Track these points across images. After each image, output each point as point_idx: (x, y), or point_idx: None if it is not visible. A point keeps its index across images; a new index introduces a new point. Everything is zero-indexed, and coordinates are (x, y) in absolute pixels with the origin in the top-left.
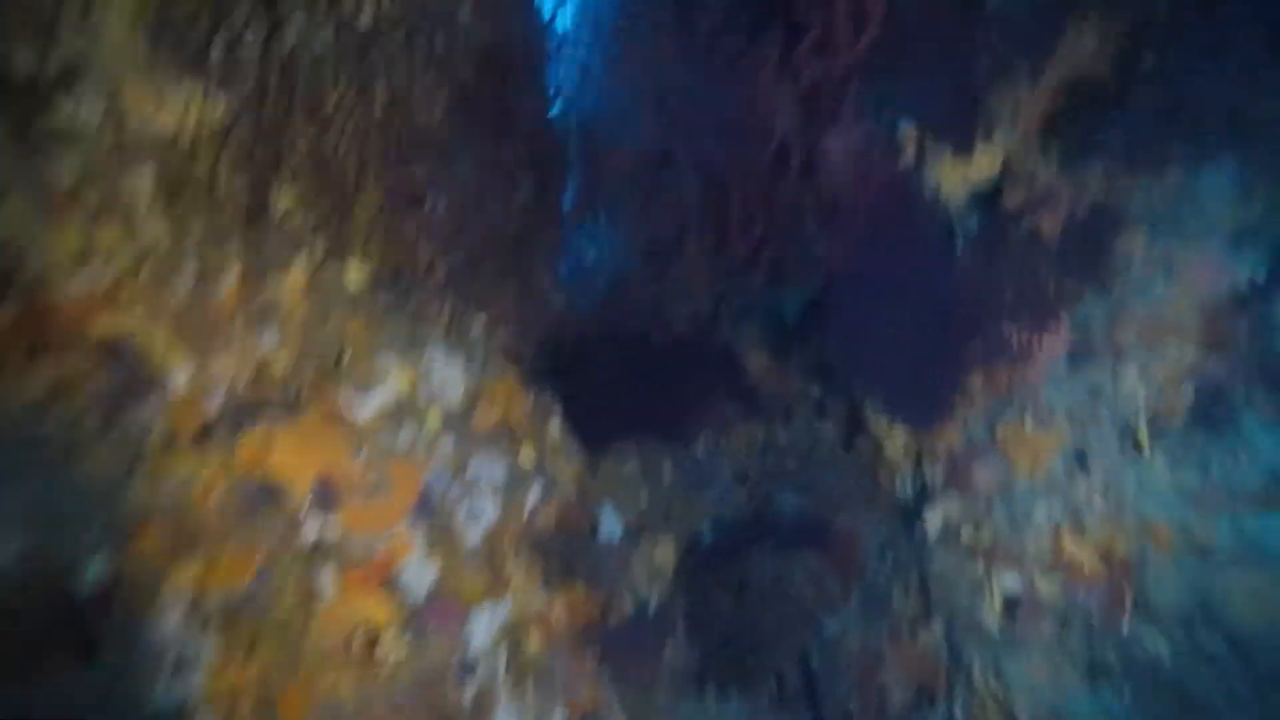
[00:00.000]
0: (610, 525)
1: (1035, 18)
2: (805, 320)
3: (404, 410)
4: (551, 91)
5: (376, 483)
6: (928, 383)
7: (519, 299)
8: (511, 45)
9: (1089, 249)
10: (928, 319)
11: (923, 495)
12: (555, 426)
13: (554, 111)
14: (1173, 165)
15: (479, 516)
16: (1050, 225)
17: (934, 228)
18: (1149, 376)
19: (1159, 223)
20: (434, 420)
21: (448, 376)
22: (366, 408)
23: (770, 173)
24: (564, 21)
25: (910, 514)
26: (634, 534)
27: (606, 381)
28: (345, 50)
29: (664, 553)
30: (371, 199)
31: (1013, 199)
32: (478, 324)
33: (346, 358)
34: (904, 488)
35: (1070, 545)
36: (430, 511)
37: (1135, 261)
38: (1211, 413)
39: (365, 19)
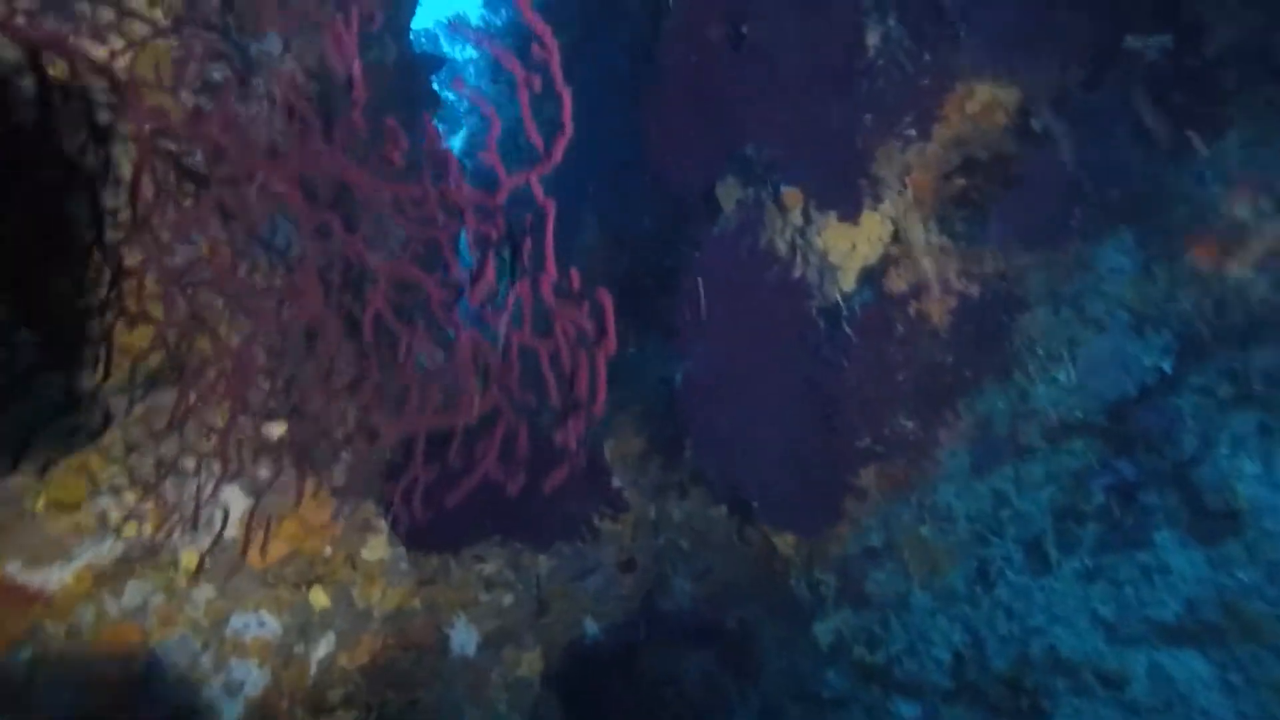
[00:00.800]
0: (463, 638)
1: (922, 75)
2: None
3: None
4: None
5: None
6: (813, 485)
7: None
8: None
9: (986, 332)
10: (809, 413)
11: (817, 600)
12: (378, 545)
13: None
14: (1071, 239)
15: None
16: (944, 305)
17: (815, 311)
18: (1055, 479)
19: (1059, 304)
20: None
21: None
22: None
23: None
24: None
25: (807, 615)
26: (494, 644)
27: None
28: None
29: (531, 661)
30: None
31: (904, 275)
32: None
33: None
34: (800, 585)
35: (973, 674)
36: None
37: (1036, 346)
38: (1124, 524)
39: None
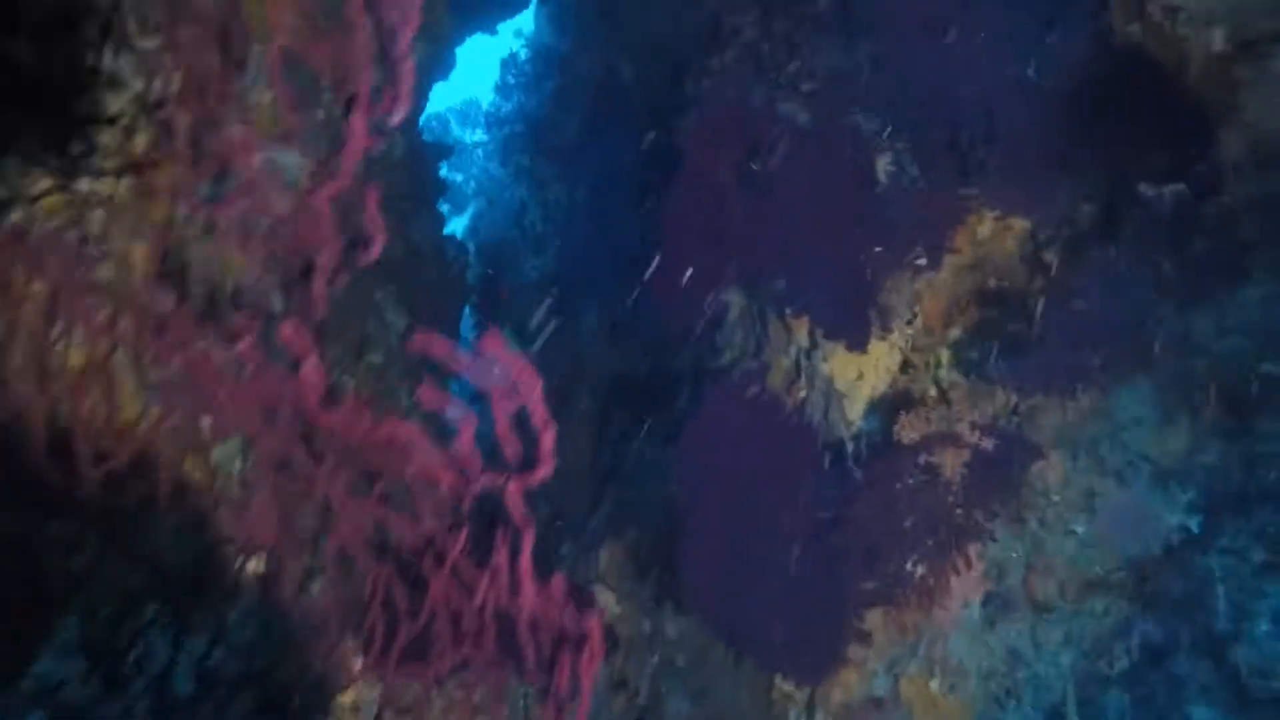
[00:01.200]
0: None
1: (932, 206)
2: None
3: None
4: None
5: None
6: (813, 629)
7: None
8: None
9: (999, 478)
10: (812, 552)
11: None
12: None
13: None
14: (1088, 384)
15: None
16: (957, 457)
17: (821, 446)
18: (1076, 640)
19: (1077, 451)
20: None
21: None
22: None
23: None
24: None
25: None
26: None
27: None
28: None
29: None
30: None
31: (915, 423)
32: None
33: None
34: None
35: None
36: None
37: (1052, 494)
38: (1153, 694)
39: None
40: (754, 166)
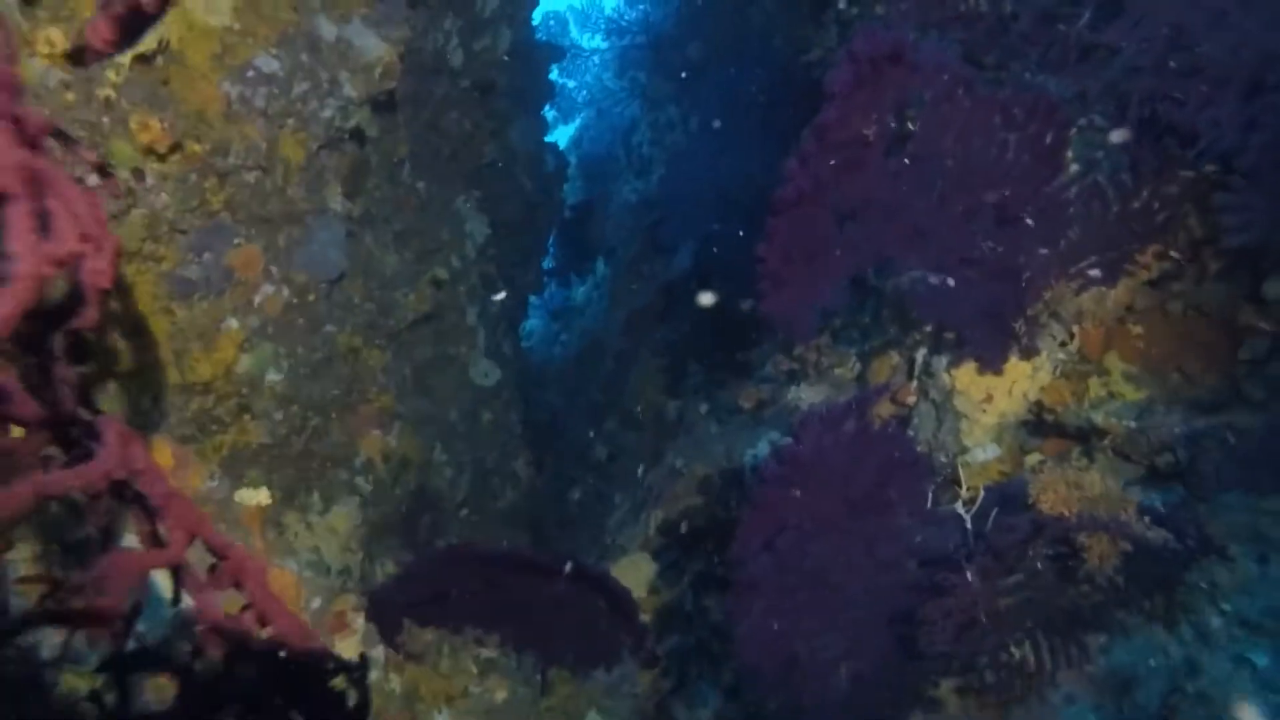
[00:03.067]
0: None
1: (1132, 210)
2: None
3: None
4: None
5: None
6: (876, 689)
7: None
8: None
9: (1155, 570)
10: (888, 602)
11: None
12: (349, 645)
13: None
14: None
15: None
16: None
17: (925, 475)
18: None
19: (1269, 554)
20: None
21: None
22: None
23: None
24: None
25: None
26: None
27: None
28: None
29: None
30: None
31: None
32: None
33: None
34: None
35: None
36: None
37: (1222, 603)
38: None
39: None
40: (909, 126)
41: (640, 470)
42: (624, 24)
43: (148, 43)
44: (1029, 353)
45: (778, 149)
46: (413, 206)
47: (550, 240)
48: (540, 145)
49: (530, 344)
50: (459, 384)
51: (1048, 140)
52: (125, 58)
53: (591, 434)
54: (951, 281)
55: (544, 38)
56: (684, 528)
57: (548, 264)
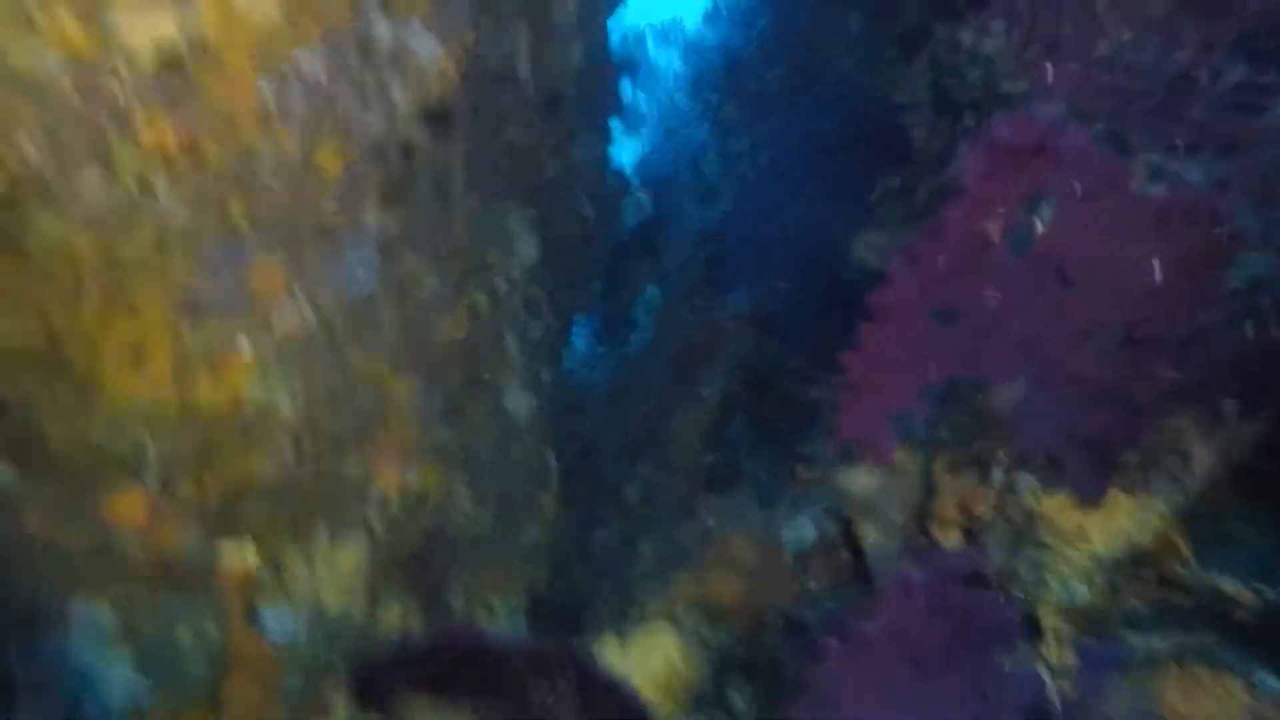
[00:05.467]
0: None
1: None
2: None
3: None
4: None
5: None
6: None
7: None
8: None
9: None
10: None
11: None
12: None
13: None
14: None
15: None
16: None
17: (1008, 617)
18: None
19: None
20: None
21: None
22: None
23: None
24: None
25: None
26: None
27: None
28: None
29: None
30: None
31: (1188, 679)
32: None
33: None
34: None
35: None
36: None
37: None
38: None
39: None
40: (1037, 222)
41: (671, 522)
42: (703, 45)
43: (170, 30)
44: (1138, 488)
45: (852, 198)
46: (460, 223)
47: (604, 261)
48: (604, 163)
49: (572, 365)
50: (491, 414)
51: (1206, 258)
52: (143, 48)
53: (625, 473)
54: (1055, 402)
55: (620, 52)
56: (715, 599)
57: (600, 285)
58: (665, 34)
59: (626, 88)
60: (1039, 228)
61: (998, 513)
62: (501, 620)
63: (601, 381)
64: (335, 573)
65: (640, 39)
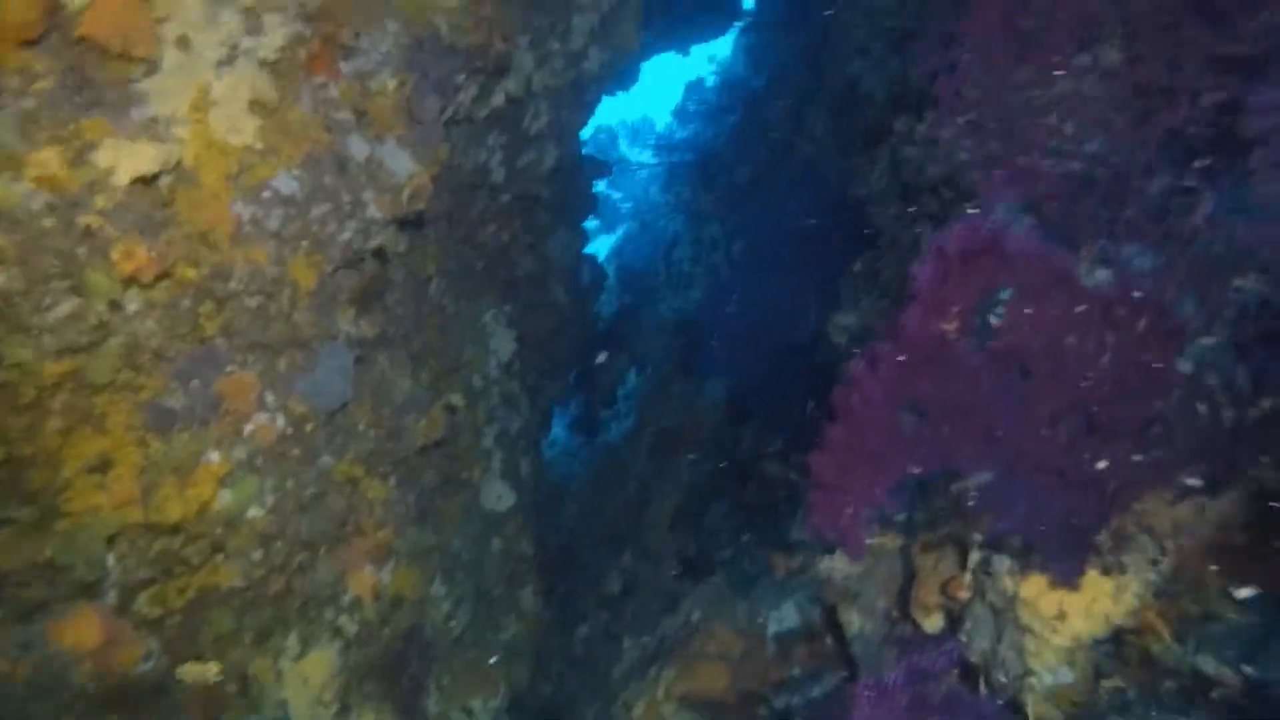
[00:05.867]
0: None
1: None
2: None
3: None
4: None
5: None
6: None
7: None
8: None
9: None
10: None
11: None
12: None
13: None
14: None
15: None
16: None
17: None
18: None
19: None
20: None
21: None
22: None
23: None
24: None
25: None
26: None
27: None
28: None
29: None
30: None
31: None
32: None
33: None
34: None
35: None
36: None
37: None
38: None
39: None
40: (991, 320)
41: (653, 614)
42: (674, 140)
43: (150, 163)
44: (1113, 569)
45: (821, 287)
46: (435, 324)
47: (581, 351)
48: (578, 258)
49: (551, 454)
50: (468, 510)
51: (1154, 344)
52: (121, 179)
53: (606, 563)
54: (1025, 488)
55: (593, 150)
56: (698, 698)
57: (576, 374)
58: (636, 132)
59: (601, 184)
60: (994, 323)
61: (978, 596)
62: None
63: (581, 470)
64: (305, 682)
65: (613, 137)
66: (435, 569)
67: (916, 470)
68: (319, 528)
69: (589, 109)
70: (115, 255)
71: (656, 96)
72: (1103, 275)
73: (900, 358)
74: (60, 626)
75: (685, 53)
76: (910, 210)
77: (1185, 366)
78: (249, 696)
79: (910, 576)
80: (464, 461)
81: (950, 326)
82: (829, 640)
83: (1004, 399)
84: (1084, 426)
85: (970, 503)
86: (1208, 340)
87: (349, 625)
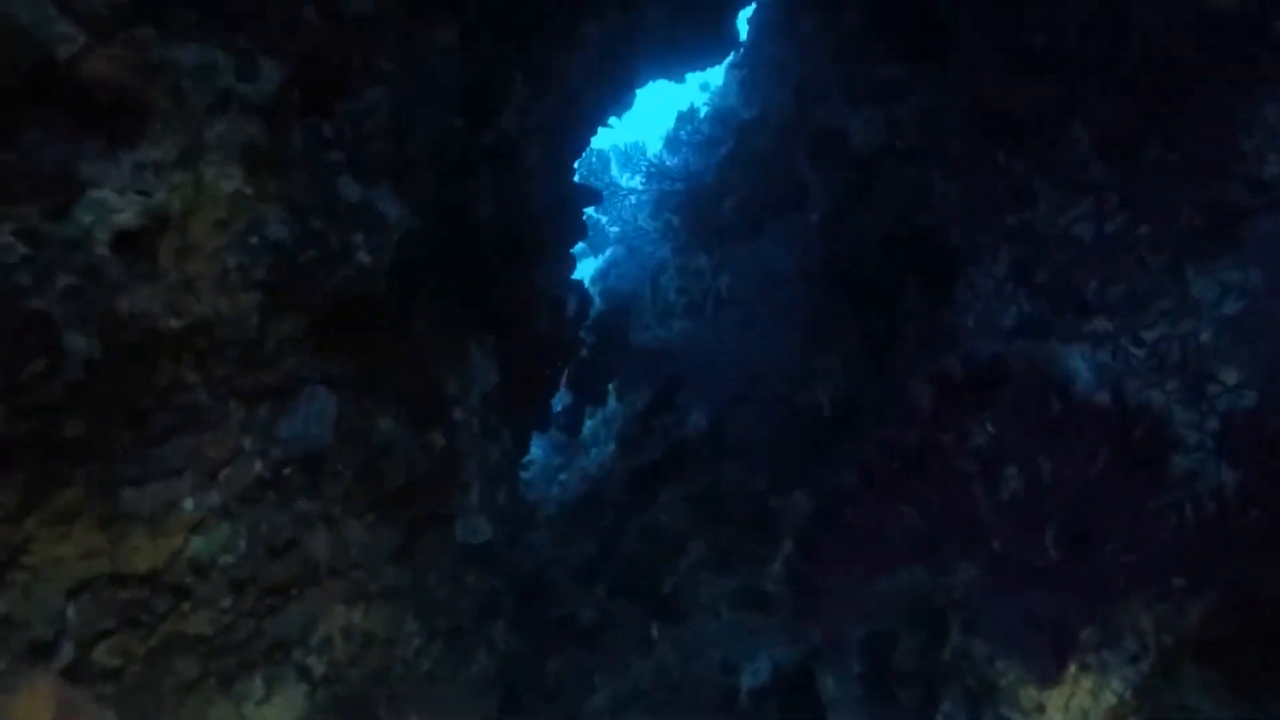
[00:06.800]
0: None
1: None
2: None
3: None
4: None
5: None
6: None
7: None
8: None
9: None
10: None
11: None
12: None
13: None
14: None
15: None
16: None
17: None
18: None
19: None
20: None
21: None
22: None
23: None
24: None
25: None
26: None
27: None
28: None
29: None
30: None
31: None
32: None
33: None
34: None
35: None
36: None
37: None
38: None
39: None
40: (989, 429)
41: (626, 654)
42: (664, 168)
43: (135, 216)
44: (1094, 667)
45: (807, 337)
46: (420, 360)
47: (563, 378)
48: (564, 287)
49: (529, 476)
50: (444, 545)
51: (1146, 456)
52: (104, 234)
53: (580, 595)
54: (1011, 585)
55: (584, 172)
56: None
57: (558, 402)
58: (628, 157)
59: (591, 210)
60: (989, 431)
61: (956, 678)
62: None
63: (558, 496)
64: None
65: (605, 161)
66: (408, 607)
67: (904, 565)
68: (292, 571)
69: (584, 144)
70: (96, 315)
71: (650, 121)
72: (1098, 389)
73: (894, 474)
74: (11, 703)
75: (680, 80)
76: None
77: (1183, 462)
78: None
79: (890, 644)
80: (441, 496)
81: (947, 438)
82: (803, 701)
83: (991, 501)
84: (1073, 530)
85: (955, 595)
86: (1198, 452)
87: (317, 666)
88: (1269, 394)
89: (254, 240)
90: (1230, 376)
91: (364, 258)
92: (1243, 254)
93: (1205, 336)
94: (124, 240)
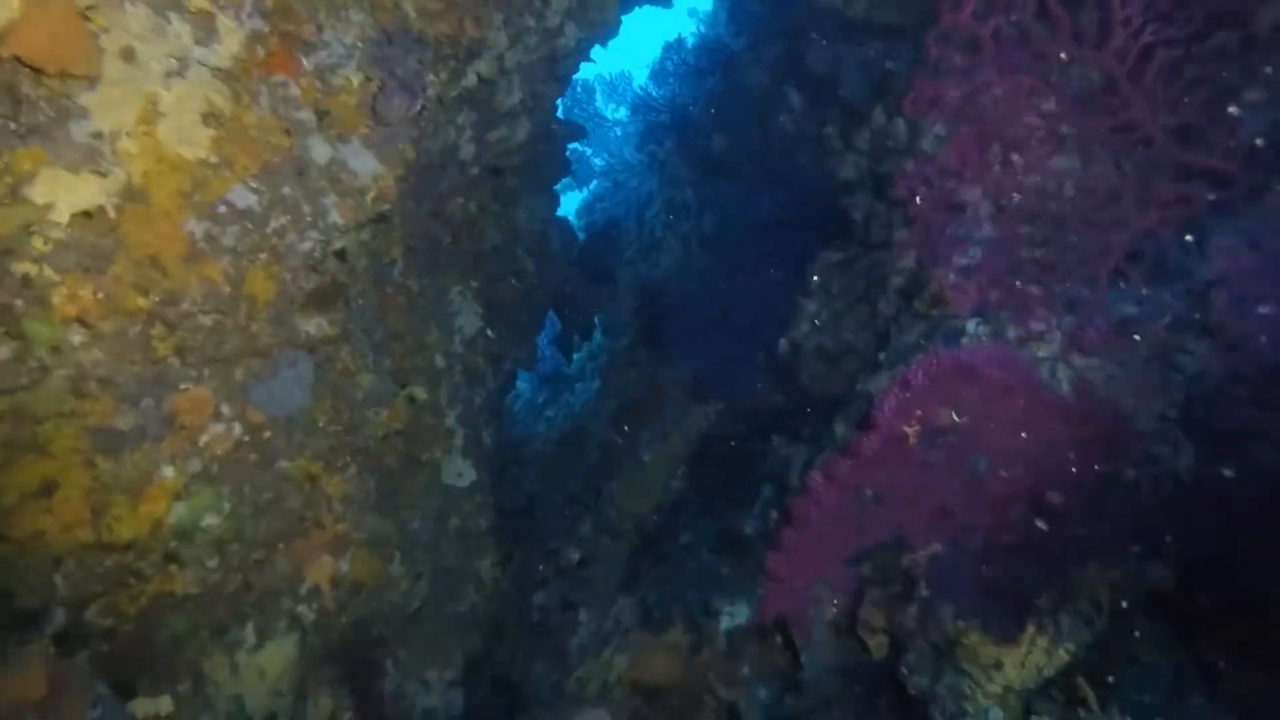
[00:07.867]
0: None
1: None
2: None
3: None
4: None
5: None
6: None
7: None
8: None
9: None
10: None
11: None
12: None
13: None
14: None
15: None
16: None
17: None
18: None
19: None
20: None
21: None
22: None
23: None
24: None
25: None
26: None
27: None
28: None
29: None
30: None
31: None
32: None
33: None
34: None
35: None
36: None
37: None
38: None
39: None
40: (956, 418)
41: (610, 589)
42: (651, 100)
43: (93, 193)
44: (1049, 630)
45: (791, 277)
46: (399, 309)
47: (546, 315)
48: (547, 223)
49: (515, 409)
50: (428, 490)
51: (1106, 443)
52: (62, 215)
53: (565, 532)
54: (973, 559)
55: (569, 103)
56: (647, 685)
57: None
58: (614, 88)
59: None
60: (954, 420)
61: (921, 632)
62: (437, 695)
63: (544, 431)
64: (262, 674)
65: (590, 91)
66: (394, 552)
67: (868, 547)
68: (276, 527)
69: (564, 82)
70: (57, 300)
71: (636, 51)
72: (1064, 378)
73: (855, 469)
74: (2, 678)
75: (668, 5)
76: (886, 207)
77: (1136, 453)
78: (204, 698)
79: (858, 598)
80: (425, 443)
81: (911, 430)
82: (778, 641)
83: (958, 485)
84: (1031, 509)
85: (919, 570)
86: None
87: (307, 614)
88: (1227, 379)
89: (221, 209)
90: (1191, 363)
91: (337, 218)
92: (1205, 238)
93: (1167, 321)
94: (84, 218)
